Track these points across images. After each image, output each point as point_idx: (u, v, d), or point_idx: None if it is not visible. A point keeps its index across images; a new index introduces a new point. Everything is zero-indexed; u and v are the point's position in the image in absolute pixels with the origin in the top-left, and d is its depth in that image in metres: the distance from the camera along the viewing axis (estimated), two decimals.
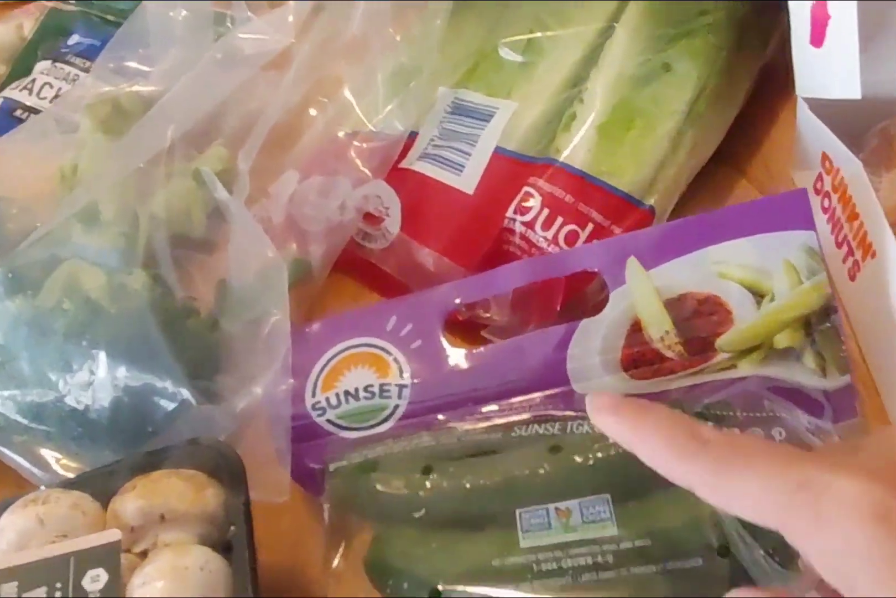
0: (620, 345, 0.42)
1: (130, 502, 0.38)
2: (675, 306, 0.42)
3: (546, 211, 0.49)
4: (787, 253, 0.41)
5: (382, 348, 0.44)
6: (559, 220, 0.49)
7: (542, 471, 0.37)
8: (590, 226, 0.49)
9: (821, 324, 0.40)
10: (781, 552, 0.34)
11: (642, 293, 0.42)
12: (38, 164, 0.54)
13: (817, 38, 0.46)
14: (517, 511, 0.37)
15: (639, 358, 0.42)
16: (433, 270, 0.51)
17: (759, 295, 0.41)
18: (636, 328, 0.42)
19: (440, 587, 0.36)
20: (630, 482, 0.36)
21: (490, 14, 0.57)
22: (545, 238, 0.49)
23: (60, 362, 0.45)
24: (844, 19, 0.43)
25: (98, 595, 0.35)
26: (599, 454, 0.37)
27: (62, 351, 0.45)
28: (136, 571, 0.36)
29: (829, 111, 0.45)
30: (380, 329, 0.45)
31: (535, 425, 0.39)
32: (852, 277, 0.45)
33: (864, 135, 0.46)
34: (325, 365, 0.45)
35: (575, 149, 0.50)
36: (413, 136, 0.55)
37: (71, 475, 0.45)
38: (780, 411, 0.37)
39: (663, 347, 0.42)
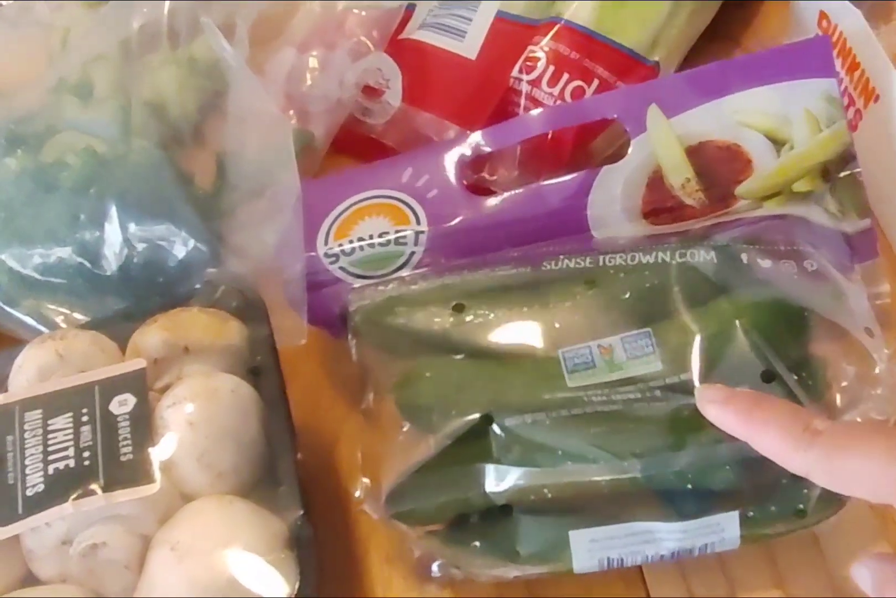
0: (641, 192, 0.42)
1: (153, 334, 0.37)
2: (696, 153, 0.42)
3: (552, 68, 0.49)
4: (807, 101, 0.41)
5: (398, 199, 0.44)
6: (565, 76, 0.48)
7: (578, 305, 0.37)
8: (595, 81, 0.48)
9: (839, 171, 0.41)
10: (817, 382, 0.35)
11: (663, 141, 0.42)
12: (24, 45, 0.52)
13: None
14: (559, 352, 0.36)
15: (659, 205, 0.42)
16: (439, 138, 0.50)
17: (779, 143, 0.41)
18: (657, 176, 0.42)
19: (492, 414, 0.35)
20: (667, 310, 0.36)
21: None
22: (551, 94, 0.48)
23: (67, 217, 0.43)
24: None
25: (127, 417, 0.34)
26: (635, 286, 0.37)
27: (69, 205, 0.43)
28: (164, 394, 0.35)
29: None
30: (395, 181, 0.44)
31: (566, 260, 0.39)
32: (854, 128, 0.46)
33: None
34: (339, 216, 0.44)
35: (579, 8, 0.50)
36: (411, 8, 0.54)
37: None
38: (808, 247, 0.38)
39: (684, 194, 0.42)
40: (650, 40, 0.49)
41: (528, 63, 0.49)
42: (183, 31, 0.50)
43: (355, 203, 0.44)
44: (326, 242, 0.43)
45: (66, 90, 0.47)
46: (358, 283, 0.43)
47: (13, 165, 0.44)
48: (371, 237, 0.43)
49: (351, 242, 0.43)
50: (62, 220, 0.43)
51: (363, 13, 0.53)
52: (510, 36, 0.51)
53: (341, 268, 0.43)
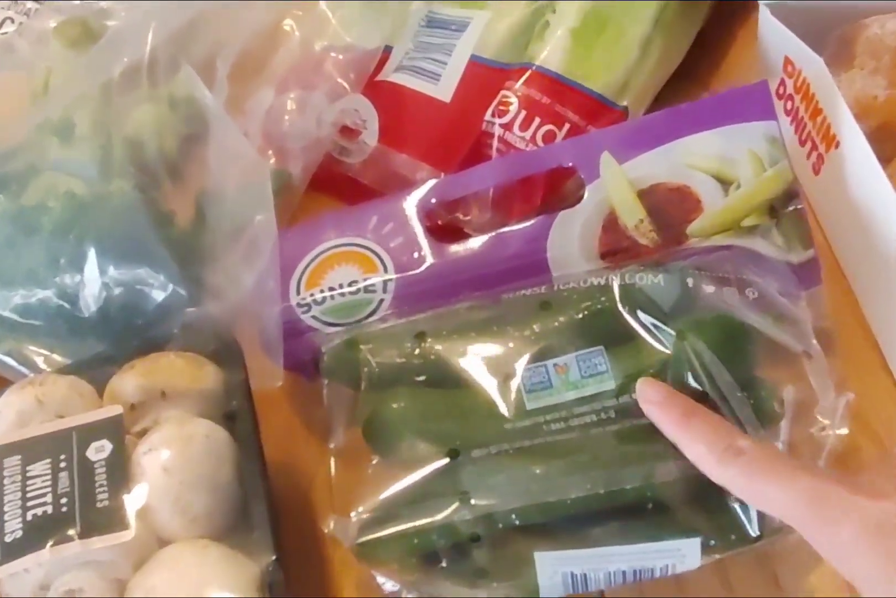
0: (597, 234, 0.44)
1: (130, 379, 0.39)
2: (648, 196, 0.44)
3: (524, 112, 0.50)
4: (750, 143, 0.43)
5: (365, 247, 0.46)
6: (536, 120, 0.50)
7: (535, 327, 0.39)
8: (566, 125, 0.50)
9: (785, 208, 0.42)
10: (759, 402, 0.36)
11: (616, 185, 0.44)
12: (8, 86, 0.55)
13: None
14: (518, 372, 0.38)
15: (615, 246, 0.44)
16: (413, 178, 0.52)
17: (726, 183, 0.43)
18: (612, 218, 0.44)
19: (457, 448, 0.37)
20: (619, 331, 0.38)
21: None
22: (523, 138, 0.50)
23: (47, 260, 0.45)
24: None
25: (103, 463, 0.35)
26: (587, 307, 0.39)
27: (49, 248, 0.45)
28: (140, 440, 0.36)
29: (789, 17, 0.48)
30: (362, 229, 0.46)
31: (524, 290, 0.41)
32: (817, 171, 0.48)
33: (823, 40, 0.48)
34: (309, 264, 0.46)
35: (549, 53, 0.51)
36: (388, 50, 0.56)
37: None
38: (752, 276, 0.39)
39: (638, 234, 0.43)
40: (619, 84, 0.51)
41: (501, 107, 0.51)
42: (163, 69, 0.52)
43: (324, 251, 0.46)
44: (298, 292, 0.45)
45: (49, 130, 0.49)
46: (330, 330, 0.44)
47: None
48: (341, 286, 0.45)
49: (322, 291, 0.45)
50: (42, 263, 0.45)
51: (340, 56, 0.56)
52: (483, 79, 0.53)
53: (313, 317, 0.45)
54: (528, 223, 0.44)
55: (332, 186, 0.55)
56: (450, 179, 0.46)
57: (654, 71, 0.53)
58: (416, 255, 0.45)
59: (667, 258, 0.41)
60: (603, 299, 0.39)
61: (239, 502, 0.37)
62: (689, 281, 0.39)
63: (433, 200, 0.46)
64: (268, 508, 0.37)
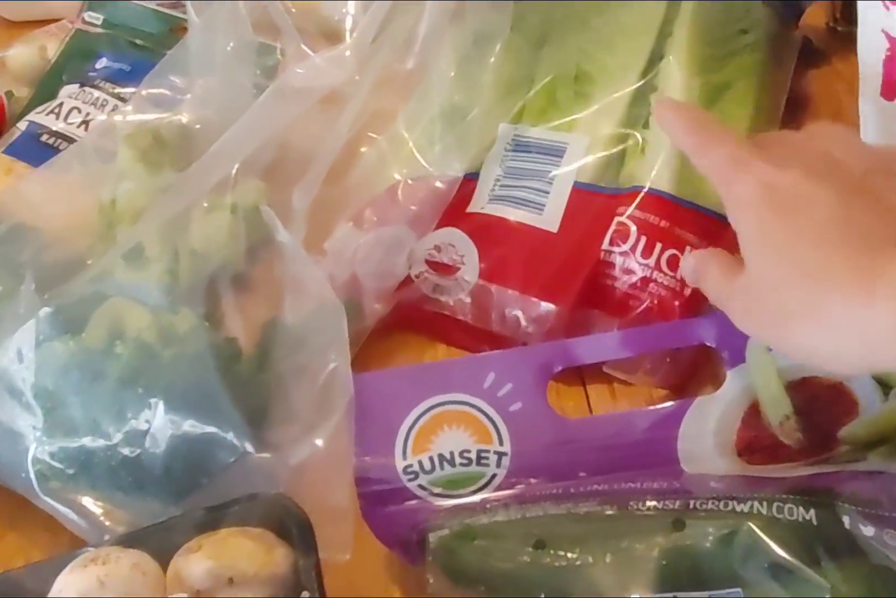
0: (736, 427, 0.40)
1: (197, 563, 0.36)
2: (798, 390, 0.40)
3: (644, 238, 0.47)
4: None
5: (479, 408, 0.42)
6: (658, 245, 0.47)
7: (664, 559, 0.36)
8: (688, 249, 0.47)
9: None
10: None
11: (763, 374, 0.40)
12: (75, 194, 0.52)
13: (890, 92, 0.46)
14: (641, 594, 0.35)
15: (755, 443, 0.40)
16: (522, 314, 0.49)
17: (886, 386, 0.40)
18: (754, 411, 0.40)
19: None
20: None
21: (527, 52, 0.56)
22: (647, 265, 0.47)
23: (114, 409, 0.42)
24: None
25: None
26: (724, 537, 0.35)
27: (116, 397, 0.42)
28: None
29: None
30: (476, 386, 0.42)
31: (654, 501, 0.37)
32: None
33: None
34: (416, 421, 0.42)
35: (658, 174, 0.49)
36: (471, 177, 0.53)
37: (116, 526, 0.43)
38: None
39: (782, 433, 0.40)
40: None
41: (619, 234, 0.48)
42: (232, 183, 0.50)
43: (433, 407, 0.42)
44: (405, 456, 0.41)
45: (118, 253, 0.47)
46: (436, 501, 0.41)
47: (61, 351, 0.43)
48: (452, 456, 0.41)
49: (431, 459, 0.41)
50: (108, 412, 0.42)
51: (419, 185, 0.53)
52: (592, 206, 0.50)
53: (420, 485, 0.41)
54: (660, 406, 0.41)
55: (422, 323, 0.52)
56: (576, 345, 0.43)
57: None
58: (534, 426, 0.41)
59: (814, 481, 0.37)
60: (744, 531, 0.35)
61: None
62: (846, 520, 0.35)
63: (559, 367, 0.42)
64: None
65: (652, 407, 0.41)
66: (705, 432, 0.40)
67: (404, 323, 0.52)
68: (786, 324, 0.34)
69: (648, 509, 0.37)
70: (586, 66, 0.53)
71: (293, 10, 0.57)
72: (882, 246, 0.32)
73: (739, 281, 0.36)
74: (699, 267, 0.40)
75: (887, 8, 0.44)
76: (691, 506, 0.37)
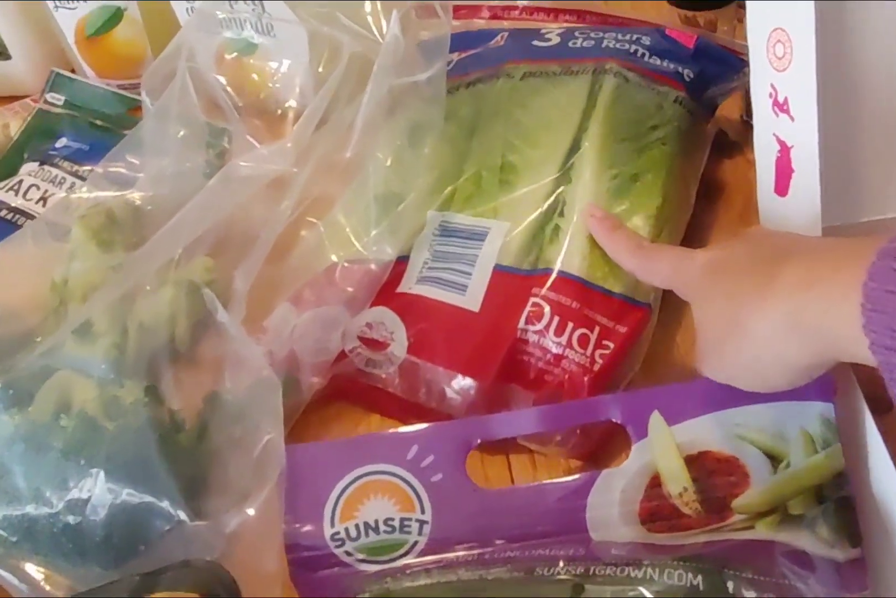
0: (639, 498, 0.44)
1: None
2: (695, 463, 0.44)
3: (557, 318, 0.51)
4: (804, 422, 0.43)
5: (402, 478, 0.45)
6: (570, 325, 0.51)
7: None
8: (597, 328, 0.51)
9: (834, 493, 0.42)
10: None
11: (664, 448, 0.44)
12: (30, 269, 0.55)
13: (782, 188, 0.50)
14: None
15: (656, 512, 0.43)
16: (447, 387, 0.52)
17: (776, 460, 0.43)
18: (655, 482, 0.44)
19: None
20: None
21: (459, 142, 0.60)
22: (559, 343, 0.50)
23: (57, 479, 0.45)
24: (807, 172, 0.46)
25: None
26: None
27: (59, 468, 0.45)
28: None
29: None
30: (400, 457, 0.45)
31: (557, 567, 0.40)
32: None
33: None
34: (344, 491, 0.45)
35: (568, 258, 0.53)
36: (403, 260, 0.57)
37: (56, 591, 0.45)
38: (796, 581, 0.39)
39: (681, 503, 0.43)
40: (636, 281, 0.52)
41: (533, 313, 0.51)
42: (182, 261, 0.53)
43: (360, 477, 0.45)
44: (333, 524, 0.44)
45: (67, 329, 0.49)
46: (361, 566, 0.44)
47: (7, 424, 0.45)
48: (377, 523, 0.44)
49: (357, 526, 0.44)
50: (50, 482, 0.45)
51: (355, 267, 0.56)
52: (510, 287, 0.53)
53: (346, 552, 0.44)
54: (570, 478, 0.44)
55: (356, 395, 0.55)
56: (494, 420, 0.46)
57: None
58: (454, 496, 0.44)
59: (706, 549, 0.41)
60: (637, 595, 0.38)
61: None
62: (730, 585, 0.38)
63: (478, 441, 0.45)
64: None
65: (562, 479, 0.44)
66: (611, 502, 0.43)
67: (339, 395, 0.55)
68: (721, 347, 0.41)
69: (552, 574, 0.40)
70: (510, 157, 0.57)
71: (240, 103, 0.61)
72: (782, 259, 0.38)
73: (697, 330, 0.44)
74: None
75: (776, 114, 0.48)
76: (591, 572, 0.40)
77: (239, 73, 0.65)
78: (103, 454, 0.44)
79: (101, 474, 0.44)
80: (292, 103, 0.62)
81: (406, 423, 0.50)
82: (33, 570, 0.45)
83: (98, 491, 0.44)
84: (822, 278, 0.35)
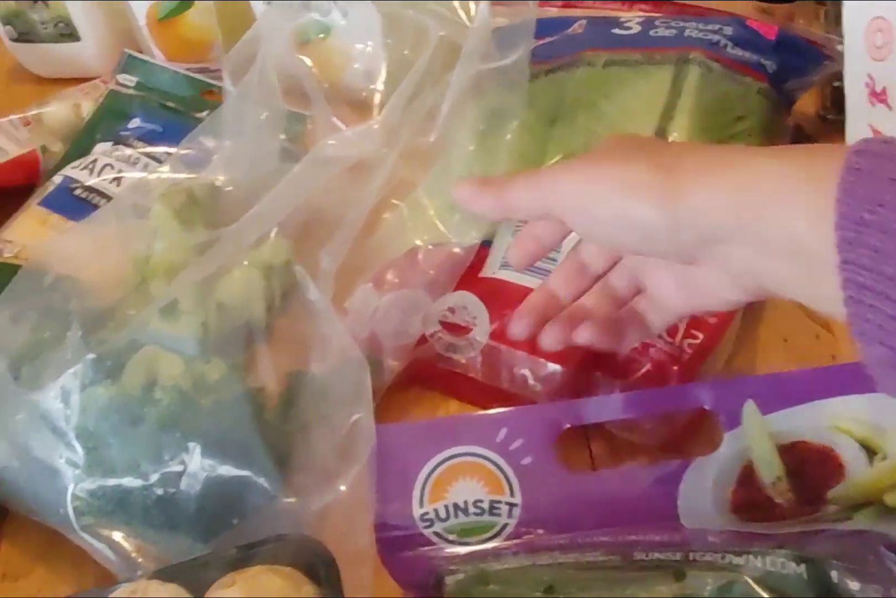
0: (731, 487, 0.43)
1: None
2: (789, 453, 0.43)
3: None
4: None
5: (492, 461, 0.45)
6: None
7: None
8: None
9: None
10: None
11: (757, 437, 0.43)
12: (112, 247, 0.55)
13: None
14: None
15: (749, 502, 0.43)
16: (530, 375, 0.52)
17: (872, 451, 0.43)
18: (748, 472, 0.43)
19: None
20: None
21: (539, 130, 0.60)
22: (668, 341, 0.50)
23: (152, 451, 0.45)
24: None
25: None
26: (722, 587, 0.38)
27: (154, 440, 0.45)
28: None
29: None
30: (489, 440, 0.45)
31: (657, 553, 0.40)
32: None
33: None
34: (432, 472, 0.45)
35: None
36: (486, 245, 0.57)
37: (146, 562, 0.45)
38: None
39: (774, 493, 0.43)
40: None
41: None
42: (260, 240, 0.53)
43: (449, 458, 0.45)
44: (422, 504, 0.44)
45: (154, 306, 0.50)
46: (450, 547, 0.44)
47: (102, 395, 0.46)
48: (466, 505, 0.44)
49: (446, 507, 0.44)
50: (146, 454, 0.45)
51: (437, 251, 0.56)
52: None
53: (435, 532, 0.44)
54: (662, 464, 0.44)
55: (435, 380, 0.55)
56: (583, 405, 0.46)
57: None
58: (544, 480, 0.44)
59: (804, 538, 0.40)
60: (740, 582, 0.38)
61: None
62: (834, 575, 0.38)
63: (566, 426, 0.45)
64: None
65: (654, 465, 0.44)
66: (704, 490, 0.43)
67: (419, 380, 0.55)
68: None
69: (651, 560, 0.40)
70: (594, 145, 0.57)
71: (325, 85, 0.61)
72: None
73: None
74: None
75: (872, 104, 0.48)
76: (691, 558, 0.39)
77: (318, 56, 0.66)
78: (200, 428, 0.44)
79: (198, 447, 0.44)
80: (372, 86, 0.62)
81: (485, 409, 0.50)
82: (124, 540, 0.45)
83: (193, 464, 0.44)
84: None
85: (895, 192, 0.28)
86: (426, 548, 0.44)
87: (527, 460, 0.45)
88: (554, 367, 0.51)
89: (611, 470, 0.45)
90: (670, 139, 0.56)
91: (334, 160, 0.55)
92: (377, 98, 0.62)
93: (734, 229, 0.33)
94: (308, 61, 0.63)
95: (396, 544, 0.44)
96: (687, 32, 0.62)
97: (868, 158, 0.30)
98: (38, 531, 0.48)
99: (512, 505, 0.44)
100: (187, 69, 0.76)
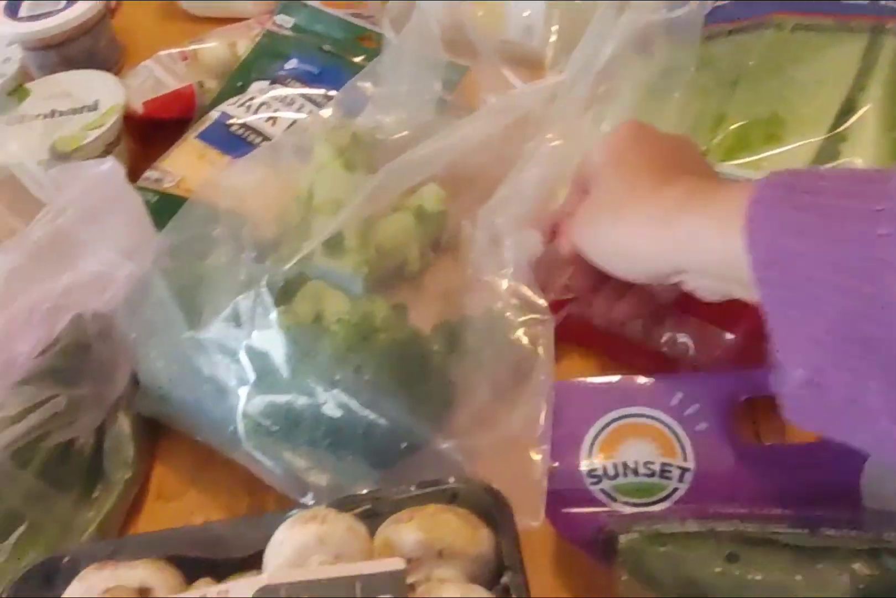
0: None
1: (409, 533, 0.37)
2: None
3: None
4: None
5: (665, 424, 0.44)
6: None
7: (861, 583, 0.36)
8: None
9: None
10: None
11: None
12: (275, 182, 0.55)
13: None
14: None
15: None
16: (695, 340, 0.50)
17: None
18: None
19: None
20: None
21: (716, 91, 0.58)
22: None
23: (326, 379, 0.44)
24: None
25: None
26: None
27: (328, 368, 0.44)
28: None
29: None
30: (663, 403, 0.44)
31: (848, 529, 0.38)
32: None
33: None
34: (603, 429, 0.44)
35: None
36: None
37: (317, 481, 0.45)
38: None
39: None
40: None
41: None
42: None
43: (621, 417, 0.44)
44: (591, 459, 0.43)
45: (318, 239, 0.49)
46: (616, 506, 0.43)
47: (276, 320, 0.45)
48: (636, 465, 0.43)
49: (615, 465, 0.43)
50: (320, 381, 0.44)
51: None
52: None
53: (602, 490, 0.43)
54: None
55: (591, 341, 0.54)
56: (761, 376, 0.44)
57: None
58: (719, 447, 0.43)
59: None
60: None
61: None
62: None
63: (744, 396, 0.44)
64: None
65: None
66: (890, 471, 0.41)
67: (571, 338, 0.54)
68: (618, 212, 0.43)
69: (842, 536, 0.38)
70: (781, 111, 0.55)
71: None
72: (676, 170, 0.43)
73: (585, 202, 0.46)
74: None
75: None
76: (885, 537, 0.38)
77: (484, 7, 0.64)
78: (374, 362, 0.44)
79: (372, 381, 0.43)
80: (537, 42, 0.61)
81: (643, 373, 0.49)
82: (293, 459, 0.45)
83: (364, 396, 0.43)
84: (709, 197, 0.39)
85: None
86: (592, 506, 0.43)
87: (701, 426, 0.43)
88: (718, 333, 0.49)
89: (793, 445, 0.43)
90: (860, 112, 0.53)
91: (504, 113, 0.54)
92: (549, 52, 0.61)
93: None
94: (481, 13, 0.61)
95: (563, 499, 0.43)
96: (883, 2, 0.59)
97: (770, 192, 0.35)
98: (191, 453, 0.49)
99: (684, 470, 0.43)
100: (345, 13, 0.76)
